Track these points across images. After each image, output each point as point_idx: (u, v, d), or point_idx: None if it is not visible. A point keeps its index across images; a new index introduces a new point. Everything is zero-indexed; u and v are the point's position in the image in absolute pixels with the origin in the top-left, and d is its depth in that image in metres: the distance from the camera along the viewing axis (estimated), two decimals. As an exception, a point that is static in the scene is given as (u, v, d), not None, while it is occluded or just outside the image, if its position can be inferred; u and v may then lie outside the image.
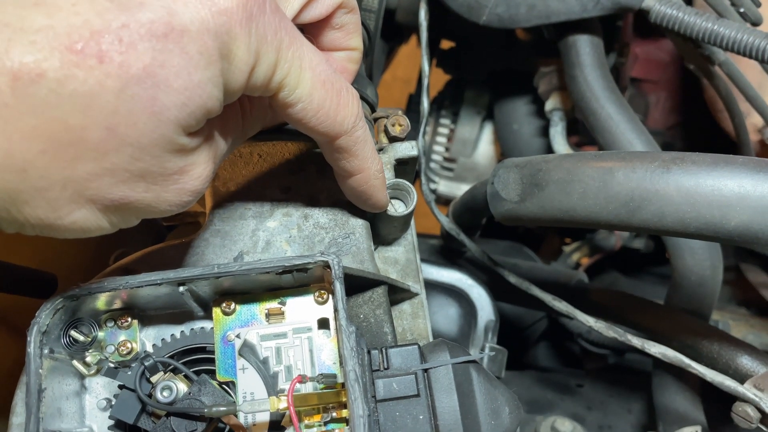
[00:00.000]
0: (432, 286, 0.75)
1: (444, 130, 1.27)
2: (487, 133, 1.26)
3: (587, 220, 0.55)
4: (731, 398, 0.64)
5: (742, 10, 0.77)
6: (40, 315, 0.43)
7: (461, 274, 0.76)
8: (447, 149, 1.28)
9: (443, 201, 1.35)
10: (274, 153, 0.57)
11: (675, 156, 0.51)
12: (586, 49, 0.83)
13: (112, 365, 0.47)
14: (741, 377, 0.65)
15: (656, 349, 0.63)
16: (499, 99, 1.15)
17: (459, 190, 1.29)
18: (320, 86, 0.42)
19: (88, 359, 0.47)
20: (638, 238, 1.36)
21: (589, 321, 0.68)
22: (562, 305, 0.71)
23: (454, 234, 0.82)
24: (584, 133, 1.10)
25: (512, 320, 1.16)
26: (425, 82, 0.86)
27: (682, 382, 0.79)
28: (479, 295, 0.75)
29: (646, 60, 1.29)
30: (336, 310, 0.45)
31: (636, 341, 0.65)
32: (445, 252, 0.97)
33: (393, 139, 0.61)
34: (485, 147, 1.26)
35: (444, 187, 1.30)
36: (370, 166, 0.49)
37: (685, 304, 0.77)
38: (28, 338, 0.42)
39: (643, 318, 0.74)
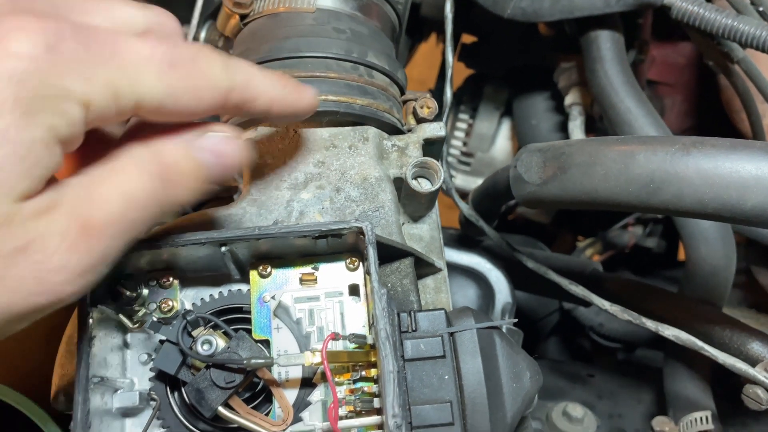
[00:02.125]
0: (452, 268, 0.77)
1: (462, 125, 1.29)
2: (505, 129, 1.28)
3: (608, 201, 0.57)
4: (740, 390, 0.66)
5: (761, 9, 0.79)
6: (91, 268, 0.46)
7: (480, 257, 0.79)
8: (465, 144, 1.30)
9: (460, 195, 1.37)
10: (308, 129, 0.59)
11: (695, 140, 0.53)
12: (607, 44, 0.86)
13: (155, 319, 0.49)
14: (752, 362, 0.66)
15: (670, 331, 0.65)
16: (519, 94, 1.17)
17: (475, 184, 1.30)
18: (173, 74, 0.36)
19: (131, 315, 0.49)
20: (651, 237, 1.37)
21: (605, 305, 0.70)
22: (578, 289, 0.73)
23: (474, 220, 0.84)
24: (602, 130, 1.12)
25: (525, 312, 1.18)
26: (449, 72, 0.88)
27: (693, 371, 0.81)
28: (497, 278, 0.77)
29: (664, 62, 1.30)
30: (368, 273, 0.47)
31: (650, 324, 0.67)
32: (464, 241, 0.99)
33: (421, 121, 0.64)
34: (503, 142, 1.28)
35: (461, 180, 1.33)
36: (269, 87, 0.43)
37: (698, 293, 0.79)
38: (81, 289, 0.45)
39: (657, 305, 0.76)
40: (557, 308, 1.21)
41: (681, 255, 1.47)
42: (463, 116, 1.29)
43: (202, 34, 0.94)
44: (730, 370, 0.65)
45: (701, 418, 0.72)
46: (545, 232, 1.50)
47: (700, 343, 0.64)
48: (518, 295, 1.01)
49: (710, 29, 0.77)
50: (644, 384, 1.00)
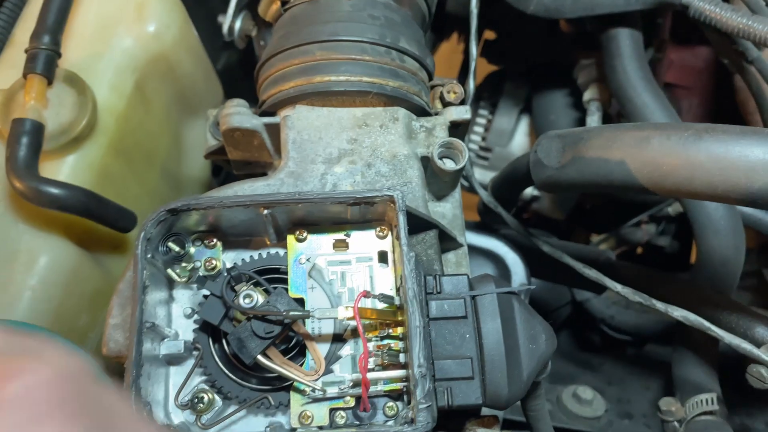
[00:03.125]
0: (470, 249, 0.80)
1: (481, 120, 1.33)
2: (524, 126, 1.32)
3: (623, 183, 0.60)
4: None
5: (776, 10, 0.82)
6: (146, 224, 0.50)
7: (498, 241, 0.82)
8: (483, 138, 1.33)
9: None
10: (343, 108, 0.63)
11: (707, 126, 0.56)
12: (626, 41, 0.89)
13: (201, 275, 0.53)
14: (757, 344, 0.69)
15: (679, 312, 0.68)
16: (538, 91, 1.20)
17: (493, 178, 1.34)
18: None
19: (178, 270, 0.54)
20: (664, 236, 1.40)
21: (617, 287, 0.73)
22: (591, 272, 0.76)
23: (492, 206, 0.88)
24: (618, 127, 1.15)
25: (538, 303, 1.22)
26: (472, 65, 0.92)
27: (701, 357, 0.83)
28: (514, 260, 0.81)
29: (681, 66, 1.33)
30: (398, 239, 0.51)
31: (660, 305, 0.70)
32: (481, 229, 1.03)
33: (447, 105, 0.68)
34: (521, 138, 1.32)
35: (478, 175, 1.36)
36: None
37: (708, 282, 0.82)
38: (137, 242, 0.49)
39: (667, 290, 0.79)
40: (569, 300, 1.24)
41: (693, 258, 1.50)
42: (483, 112, 1.33)
43: (237, 24, 0.98)
44: (737, 363, 0.68)
45: (707, 400, 0.75)
46: (559, 230, 1.53)
47: (707, 324, 0.67)
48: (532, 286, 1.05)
49: (726, 28, 0.80)
50: (652, 373, 1.03)
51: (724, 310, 0.74)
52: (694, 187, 0.56)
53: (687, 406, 0.76)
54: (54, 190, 0.62)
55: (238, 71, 1.18)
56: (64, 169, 0.68)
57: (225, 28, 0.99)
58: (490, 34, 1.29)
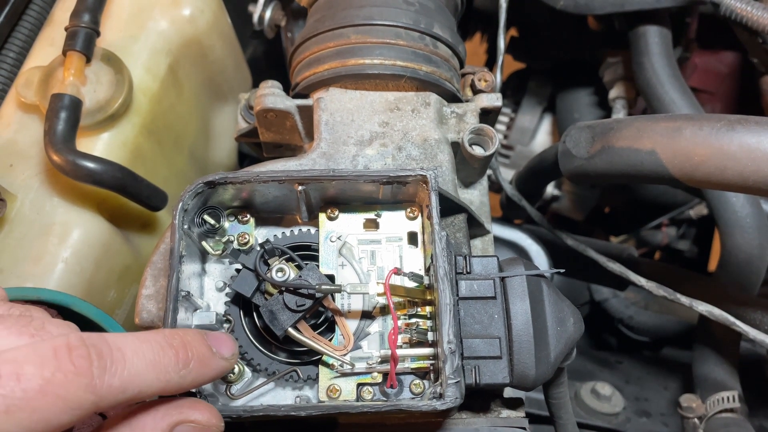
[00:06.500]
0: (494, 240, 0.81)
1: (504, 118, 1.33)
2: (546, 124, 1.32)
3: (653, 173, 0.60)
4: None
5: (809, 10, 0.82)
6: (183, 196, 0.51)
7: (521, 233, 0.82)
8: (505, 137, 1.34)
9: (497, 188, 1.41)
10: (375, 92, 0.64)
11: (739, 117, 0.56)
12: (655, 38, 0.89)
13: (236, 248, 0.54)
14: (782, 341, 0.69)
15: (703, 307, 0.68)
16: (562, 89, 1.21)
17: (513, 176, 1.34)
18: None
19: (212, 244, 0.55)
20: (683, 240, 1.39)
21: (641, 281, 0.73)
22: (615, 266, 0.76)
23: (516, 200, 0.88)
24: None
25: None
26: (500, 59, 0.92)
27: (722, 356, 0.83)
28: (537, 252, 0.81)
29: (705, 71, 1.33)
30: (429, 218, 0.52)
31: (684, 300, 0.70)
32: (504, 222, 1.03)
33: (477, 92, 0.68)
34: (543, 137, 1.32)
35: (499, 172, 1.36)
36: None
37: (732, 280, 0.82)
38: (174, 212, 0.50)
39: (690, 287, 0.79)
40: (587, 300, 1.24)
41: (712, 265, 1.49)
42: (505, 110, 1.33)
43: (268, 13, 1.00)
44: (755, 365, 0.68)
45: (728, 397, 0.75)
46: (578, 230, 1.53)
47: (732, 319, 0.67)
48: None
49: (756, 26, 0.80)
50: (671, 374, 1.02)
51: (749, 307, 0.74)
52: (725, 178, 0.56)
53: (708, 403, 0.76)
54: (91, 165, 0.63)
55: (264, 63, 1.19)
56: (98, 146, 0.69)
57: (255, 17, 1.00)
58: (513, 32, 1.29)
